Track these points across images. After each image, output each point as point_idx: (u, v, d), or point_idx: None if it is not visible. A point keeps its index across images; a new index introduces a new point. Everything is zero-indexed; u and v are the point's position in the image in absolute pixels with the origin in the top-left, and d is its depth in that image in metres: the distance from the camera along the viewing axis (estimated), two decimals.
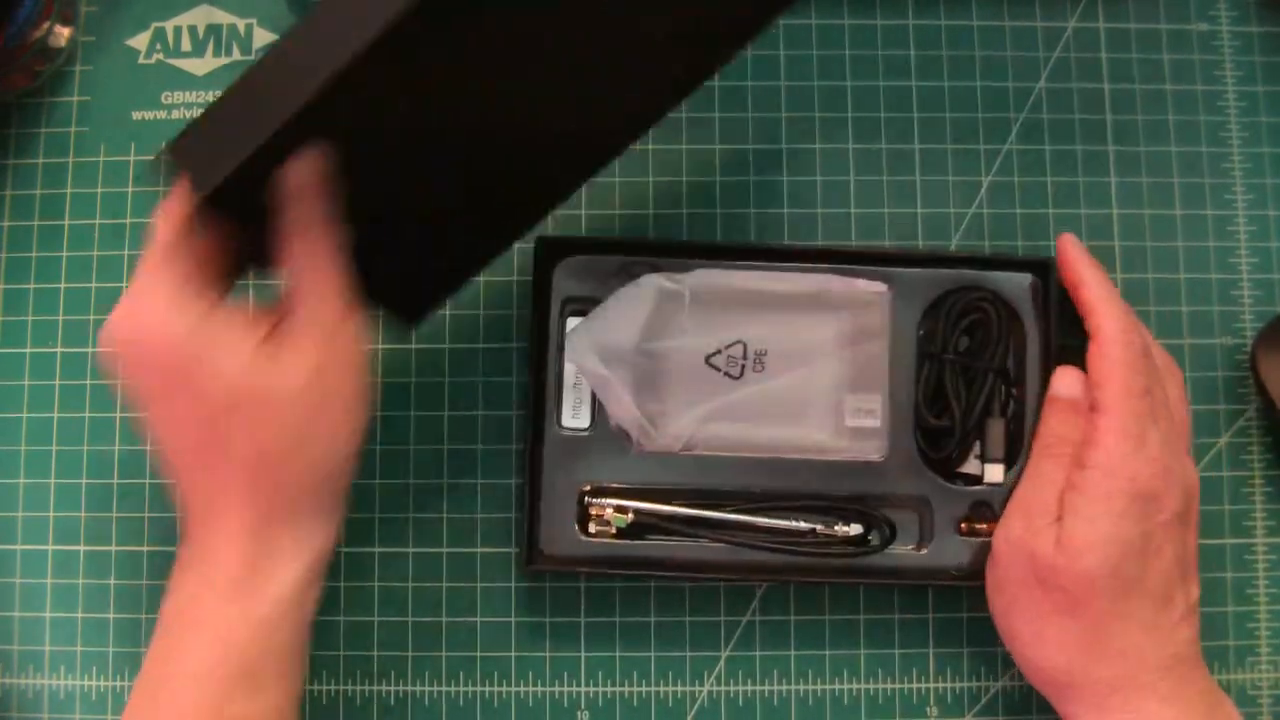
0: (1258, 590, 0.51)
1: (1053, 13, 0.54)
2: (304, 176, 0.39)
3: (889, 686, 0.50)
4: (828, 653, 0.50)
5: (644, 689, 0.50)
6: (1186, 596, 0.44)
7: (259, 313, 0.41)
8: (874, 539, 0.49)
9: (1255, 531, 0.51)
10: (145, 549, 0.51)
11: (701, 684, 0.50)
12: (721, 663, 0.50)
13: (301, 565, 0.40)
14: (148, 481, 0.51)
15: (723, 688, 0.50)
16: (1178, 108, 0.54)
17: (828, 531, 0.48)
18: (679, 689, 0.50)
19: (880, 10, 0.54)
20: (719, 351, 0.49)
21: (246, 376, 0.39)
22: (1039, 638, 0.44)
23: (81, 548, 0.51)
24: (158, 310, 0.39)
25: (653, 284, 0.49)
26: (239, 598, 0.39)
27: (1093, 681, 0.43)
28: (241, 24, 0.54)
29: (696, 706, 0.50)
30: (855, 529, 0.48)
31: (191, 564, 0.40)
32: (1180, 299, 0.52)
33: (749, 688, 0.50)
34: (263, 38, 0.54)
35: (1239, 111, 0.53)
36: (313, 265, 0.40)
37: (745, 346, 0.49)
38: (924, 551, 0.49)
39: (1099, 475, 0.43)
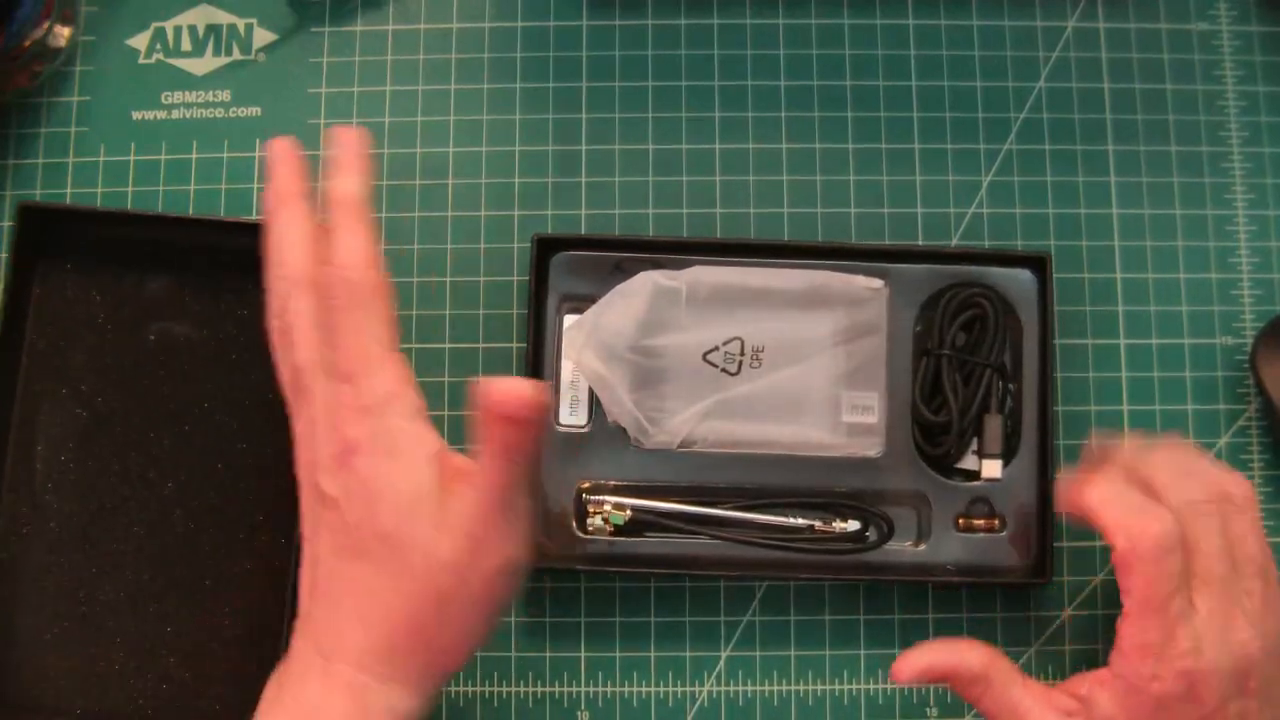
0: None
1: (1053, 13, 0.54)
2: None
3: (889, 687, 0.50)
4: (828, 653, 0.50)
5: (644, 689, 0.50)
6: None
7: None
8: (872, 535, 0.49)
9: None
10: None
11: (701, 684, 0.50)
12: (721, 663, 0.50)
13: None
14: None
15: (723, 688, 0.50)
16: (1178, 107, 0.54)
17: (825, 528, 0.48)
18: (679, 689, 0.50)
19: (880, 10, 0.54)
20: (716, 348, 0.49)
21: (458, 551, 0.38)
22: None
23: None
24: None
25: (649, 281, 0.49)
26: None
27: None
28: (241, 24, 0.54)
29: (696, 706, 0.50)
30: (853, 525, 0.48)
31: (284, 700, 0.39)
32: (1180, 299, 0.52)
33: (749, 688, 0.50)
34: (263, 38, 0.54)
35: (1239, 111, 0.53)
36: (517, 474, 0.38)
37: (743, 343, 0.49)
38: (922, 548, 0.49)
39: (1122, 688, 0.40)
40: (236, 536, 0.50)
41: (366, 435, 0.38)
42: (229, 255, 0.51)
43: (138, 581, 0.50)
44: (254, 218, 0.51)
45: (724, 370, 0.49)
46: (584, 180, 0.53)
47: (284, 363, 0.40)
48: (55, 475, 0.51)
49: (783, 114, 0.53)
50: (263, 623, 0.49)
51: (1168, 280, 0.52)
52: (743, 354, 0.49)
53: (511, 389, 0.37)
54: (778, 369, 0.49)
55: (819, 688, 0.50)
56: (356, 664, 0.38)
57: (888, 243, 0.52)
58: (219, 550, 0.50)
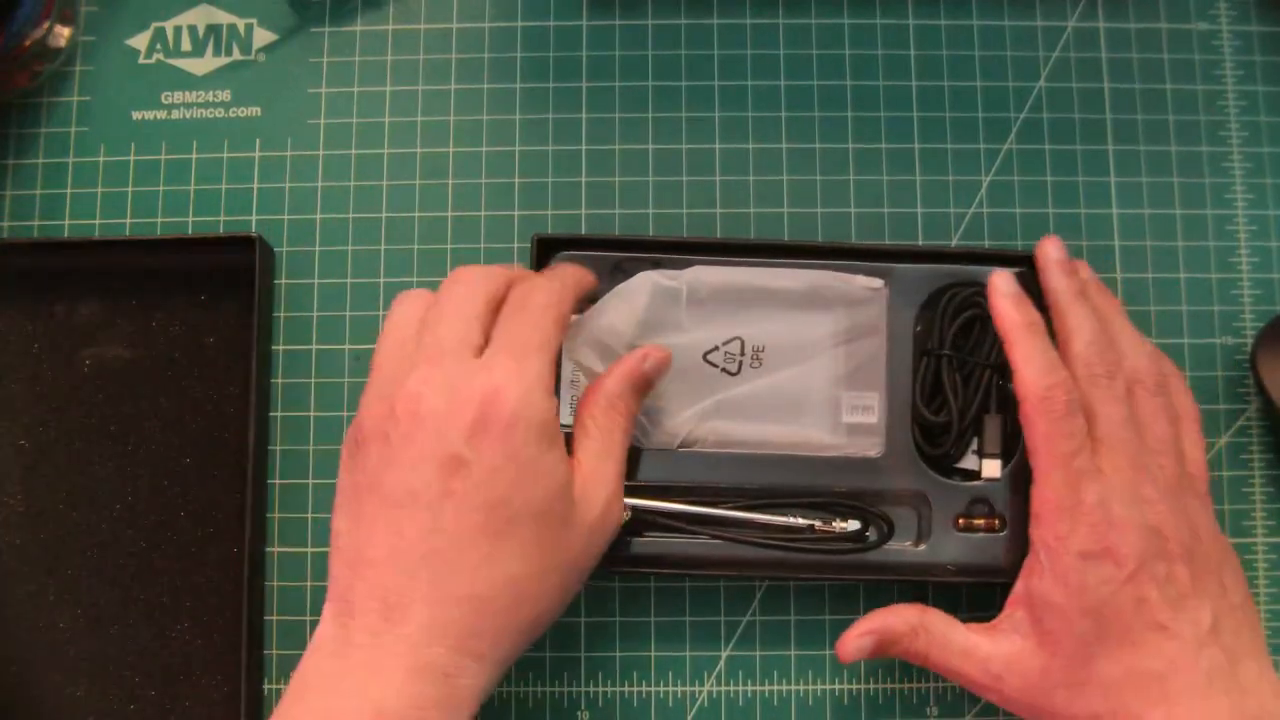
0: (1258, 590, 0.51)
1: (1053, 13, 0.54)
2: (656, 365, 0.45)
3: (889, 686, 0.50)
4: (828, 653, 0.50)
5: (644, 689, 0.50)
6: (1195, 624, 0.41)
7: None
8: (872, 535, 0.49)
9: (1255, 531, 0.51)
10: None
11: (701, 684, 0.50)
12: (721, 663, 0.50)
13: (466, 716, 0.38)
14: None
15: (723, 688, 0.50)
16: (1178, 107, 0.54)
17: (825, 528, 0.48)
18: (679, 689, 0.50)
19: (880, 10, 0.54)
20: (717, 348, 0.49)
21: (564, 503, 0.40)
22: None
23: None
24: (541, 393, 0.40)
25: (649, 281, 0.49)
26: None
27: None
28: (241, 24, 0.54)
29: (696, 706, 0.50)
30: (853, 525, 0.48)
31: (340, 672, 0.38)
32: (1180, 299, 0.52)
33: (749, 688, 0.50)
34: (263, 38, 0.54)
35: (1239, 111, 0.53)
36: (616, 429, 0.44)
37: (743, 343, 0.49)
38: (922, 548, 0.49)
39: (1047, 557, 0.42)
40: (189, 551, 0.50)
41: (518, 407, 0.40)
42: (158, 274, 0.52)
43: (96, 605, 0.50)
44: (181, 234, 0.52)
45: (724, 370, 0.49)
46: (584, 180, 0.53)
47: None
48: (3, 508, 0.51)
49: (783, 114, 0.53)
50: (224, 634, 0.50)
51: (1168, 280, 0.52)
52: (743, 354, 0.49)
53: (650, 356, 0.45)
54: (778, 369, 0.49)
55: (819, 688, 0.50)
56: (454, 644, 0.38)
57: (888, 243, 0.52)
58: (173, 566, 0.50)
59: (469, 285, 0.42)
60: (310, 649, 0.39)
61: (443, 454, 0.38)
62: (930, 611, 0.45)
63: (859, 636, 0.45)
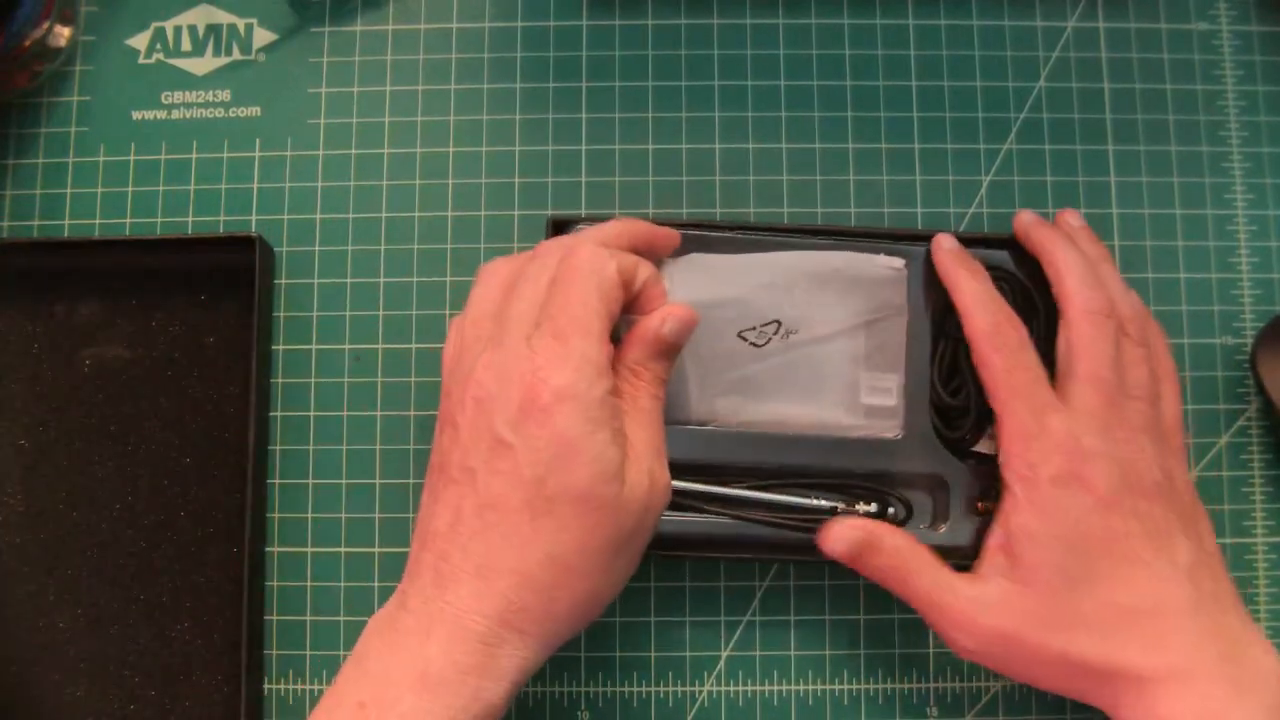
0: (1258, 590, 0.51)
1: (1053, 13, 0.54)
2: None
3: (889, 686, 0.50)
4: (828, 653, 0.50)
5: (644, 689, 0.50)
6: (1173, 563, 0.42)
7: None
8: (890, 518, 0.48)
9: (1255, 531, 0.51)
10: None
11: (701, 684, 0.50)
12: (721, 663, 0.50)
13: (508, 686, 0.39)
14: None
15: (723, 688, 0.50)
16: (1178, 107, 0.54)
17: (848, 510, 0.47)
18: (679, 689, 0.50)
19: (880, 10, 0.54)
20: (754, 328, 0.48)
21: (612, 481, 0.39)
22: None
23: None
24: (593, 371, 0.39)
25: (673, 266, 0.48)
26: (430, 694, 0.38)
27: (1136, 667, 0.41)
28: (241, 24, 0.54)
29: (696, 706, 0.50)
30: (871, 507, 0.47)
31: (400, 630, 0.39)
32: (1180, 299, 0.52)
33: (749, 688, 0.50)
34: (263, 38, 0.54)
35: (1239, 111, 0.53)
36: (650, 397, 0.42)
37: (779, 324, 0.48)
38: (941, 531, 0.48)
39: (1020, 490, 0.43)
40: (188, 550, 0.51)
41: (566, 389, 0.39)
42: (158, 274, 0.52)
43: (96, 605, 0.50)
44: (181, 234, 0.52)
45: (752, 344, 0.48)
46: (584, 180, 0.53)
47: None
48: (3, 508, 0.51)
49: (783, 114, 0.53)
50: (224, 634, 0.50)
51: (1168, 280, 0.52)
52: (776, 333, 0.48)
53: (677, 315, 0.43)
54: (800, 347, 0.48)
55: (819, 688, 0.50)
56: (496, 616, 0.38)
57: (907, 229, 0.52)
58: (173, 565, 0.50)
59: (540, 261, 0.42)
60: (375, 614, 0.40)
61: (491, 437, 0.39)
62: (922, 546, 0.45)
63: (846, 527, 0.45)
